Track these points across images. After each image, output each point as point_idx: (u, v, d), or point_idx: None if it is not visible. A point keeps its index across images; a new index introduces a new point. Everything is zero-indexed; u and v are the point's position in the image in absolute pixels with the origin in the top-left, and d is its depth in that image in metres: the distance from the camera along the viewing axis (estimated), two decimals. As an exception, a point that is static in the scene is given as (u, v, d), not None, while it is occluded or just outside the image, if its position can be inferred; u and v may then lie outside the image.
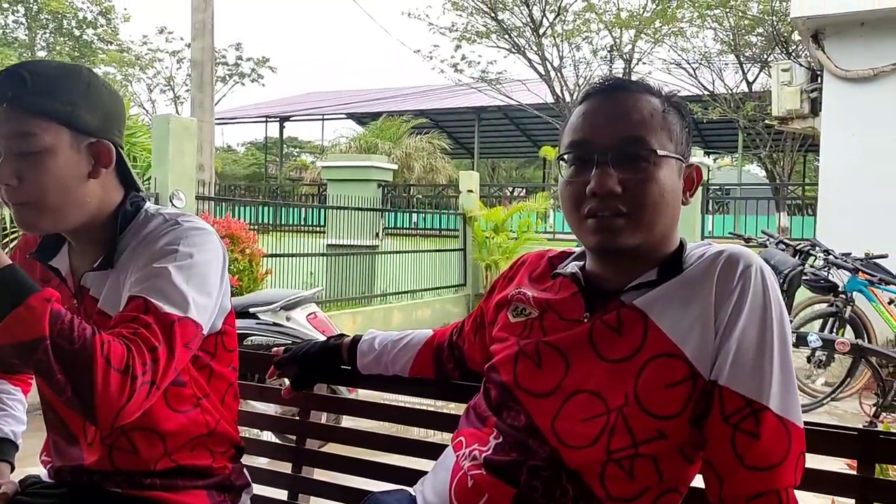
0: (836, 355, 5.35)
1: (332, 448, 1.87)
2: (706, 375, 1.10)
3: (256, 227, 9.50)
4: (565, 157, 1.20)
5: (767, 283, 1.11)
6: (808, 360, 5.59)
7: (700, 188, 7.64)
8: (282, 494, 1.75)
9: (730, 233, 7.66)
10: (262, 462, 1.79)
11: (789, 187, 14.29)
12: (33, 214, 1.30)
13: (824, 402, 5.57)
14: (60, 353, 1.10)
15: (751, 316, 1.09)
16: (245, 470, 1.59)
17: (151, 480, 1.40)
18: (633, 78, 15.78)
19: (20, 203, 1.29)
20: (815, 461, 1.30)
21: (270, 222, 10.40)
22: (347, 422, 2.99)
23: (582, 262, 1.28)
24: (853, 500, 1.29)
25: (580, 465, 1.12)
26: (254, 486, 1.68)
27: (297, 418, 1.79)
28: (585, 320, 1.19)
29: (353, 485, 1.67)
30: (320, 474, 1.79)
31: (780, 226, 11.65)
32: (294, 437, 1.80)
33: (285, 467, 1.77)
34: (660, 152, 1.14)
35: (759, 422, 1.06)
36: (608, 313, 1.17)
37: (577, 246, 1.36)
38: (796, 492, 1.12)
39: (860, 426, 1.58)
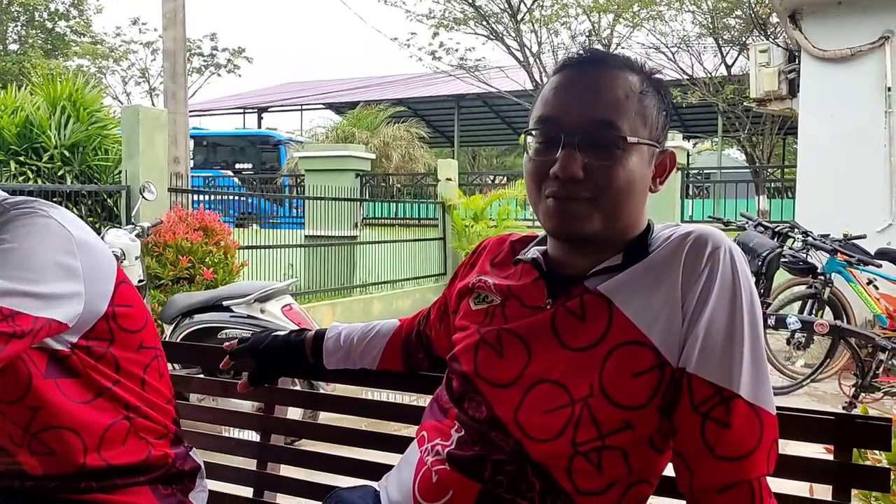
0: (815, 336, 5.37)
1: (301, 444, 1.82)
2: (674, 363, 1.05)
3: (235, 218, 9.40)
4: (532, 132, 1.14)
5: (737, 264, 1.05)
6: (788, 342, 5.61)
7: (678, 172, 7.61)
8: (247, 492, 1.70)
9: (709, 216, 7.64)
10: (227, 459, 1.73)
11: (769, 170, 14.36)
12: None
13: (804, 383, 5.59)
14: None
15: (719, 300, 1.03)
16: (193, 453, 1.52)
17: (87, 483, 1.33)
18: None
19: None
20: (791, 447, 1.27)
21: (249, 213, 10.29)
22: (325, 417, 2.93)
23: (544, 247, 1.22)
24: (830, 486, 1.25)
25: (546, 459, 1.08)
26: (219, 483, 1.63)
27: (262, 414, 1.74)
28: (548, 307, 1.14)
29: (320, 481, 1.62)
30: (287, 470, 1.74)
31: (759, 209, 11.69)
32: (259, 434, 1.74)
33: (250, 464, 1.72)
34: (630, 139, 1.08)
35: (730, 410, 1.01)
36: (571, 299, 1.13)
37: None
38: (773, 478, 1.08)
39: (840, 407, 1.54)
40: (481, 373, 1.17)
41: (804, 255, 5.56)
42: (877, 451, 1.59)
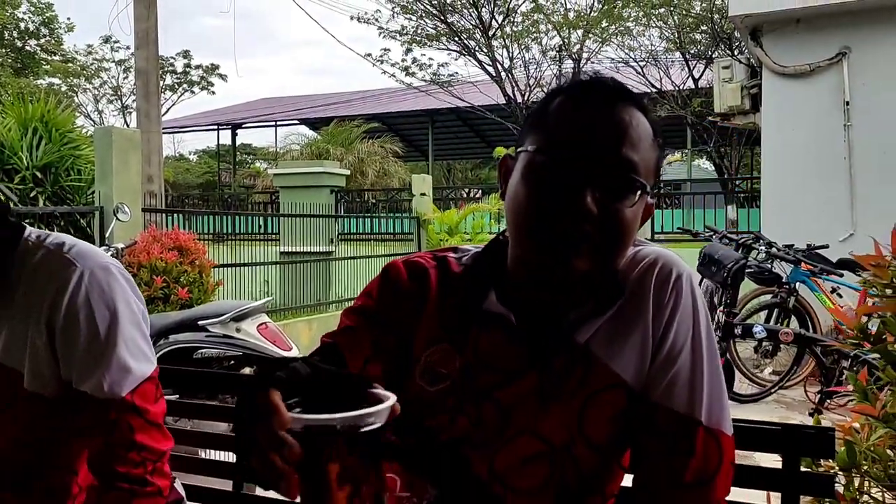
0: (781, 345, 5.50)
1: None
2: (640, 391, 1.06)
3: (211, 236, 9.40)
4: (544, 152, 1.01)
5: (695, 291, 1.08)
6: (756, 351, 5.74)
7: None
8: (225, 512, 1.74)
9: (678, 228, 7.79)
10: (203, 481, 1.77)
11: (737, 181, 14.60)
12: None
13: (773, 390, 5.71)
14: None
15: (682, 328, 1.06)
16: (177, 483, 1.56)
17: None
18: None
19: None
20: (742, 457, 1.34)
21: (225, 231, 10.28)
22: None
23: (489, 285, 1.10)
24: (780, 494, 1.33)
25: None
26: (196, 504, 1.67)
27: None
28: (530, 369, 1.07)
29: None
30: (262, 491, 1.78)
31: (728, 218, 11.87)
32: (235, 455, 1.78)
33: (226, 485, 1.76)
34: (647, 188, 1.02)
35: (693, 438, 1.03)
36: (555, 356, 1.06)
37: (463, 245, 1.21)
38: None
39: (807, 413, 1.63)
40: (457, 438, 1.08)
41: (769, 266, 5.70)
42: (830, 459, 1.67)
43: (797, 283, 5.78)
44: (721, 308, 5.12)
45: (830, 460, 1.68)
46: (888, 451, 1.60)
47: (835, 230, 6.53)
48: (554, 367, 1.06)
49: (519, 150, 1.06)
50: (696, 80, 15.98)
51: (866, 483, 1.65)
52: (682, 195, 13.17)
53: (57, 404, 1.30)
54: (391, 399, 0.77)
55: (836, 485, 1.70)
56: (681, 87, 16.17)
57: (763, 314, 5.83)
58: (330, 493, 0.73)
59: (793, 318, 5.79)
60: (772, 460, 1.47)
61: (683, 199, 12.58)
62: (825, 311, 5.83)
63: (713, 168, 17.69)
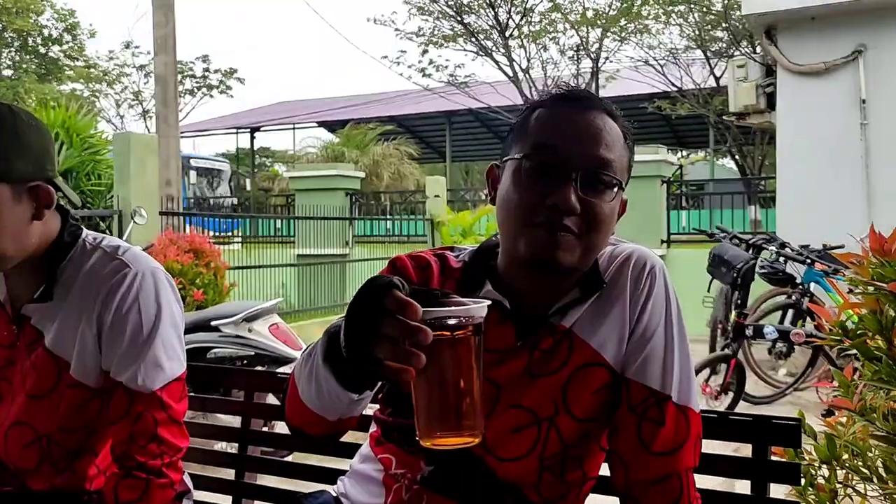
0: (796, 346, 5.47)
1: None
2: (620, 371, 1.18)
3: (228, 238, 9.52)
4: (529, 157, 1.14)
5: (668, 282, 1.21)
6: (769, 352, 5.71)
7: (663, 185, 7.68)
8: (226, 500, 1.80)
9: (694, 229, 7.78)
10: (206, 470, 1.84)
11: (760, 180, 14.48)
12: None
13: (787, 392, 5.68)
14: None
15: (655, 313, 1.18)
16: (186, 477, 1.64)
17: (87, 497, 1.46)
18: (602, 78, 15.81)
19: None
20: (714, 446, 1.39)
21: (242, 234, 10.40)
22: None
23: (485, 277, 1.23)
24: (749, 482, 1.37)
25: (515, 477, 1.18)
26: (199, 492, 1.74)
27: (239, 427, 1.85)
28: (519, 349, 1.19)
29: (292, 487, 1.73)
30: (265, 479, 1.85)
31: (751, 219, 11.80)
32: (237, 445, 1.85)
33: (229, 474, 1.83)
34: (623, 184, 1.16)
35: (663, 410, 1.15)
36: (542, 340, 1.19)
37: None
38: (698, 475, 1.21)
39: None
40: None
41: (783, 266, 5.67)
42: (812, 450, 1.70)
43: (811, 284, 5.76)
44: (732, 309, 5.12)
45: (812, 451, 1.71)
46: (870, 442, 1.63)
47: (851, 230, 6.47)
48: (542, 347, 1.18)
49: (505, 158, 1.20)
50: (717, 79, 15.88)
51: (849, 475, 1.68)
52: (705, 195, 13.09)
53: (97, 394, 1.42)
54: (486, 301, 0.92)
55: (819, 477, 1.74)
56: (702, 86, 16.09)
57: (776, 315, 5.81)
58: (457, 368, 0.89)
59: (807, 319, 5.77)
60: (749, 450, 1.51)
61: (706, 200, 12.49)
62: (840, 312, 5.78)
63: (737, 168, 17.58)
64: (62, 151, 7.07)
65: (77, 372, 1.40)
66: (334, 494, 1.35)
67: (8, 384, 1.44)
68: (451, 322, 0.88)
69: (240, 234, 10.52)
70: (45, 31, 26.38)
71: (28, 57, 26.49)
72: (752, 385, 5.65)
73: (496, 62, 17.37)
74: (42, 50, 26.72)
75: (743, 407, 5.11)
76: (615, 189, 1.15)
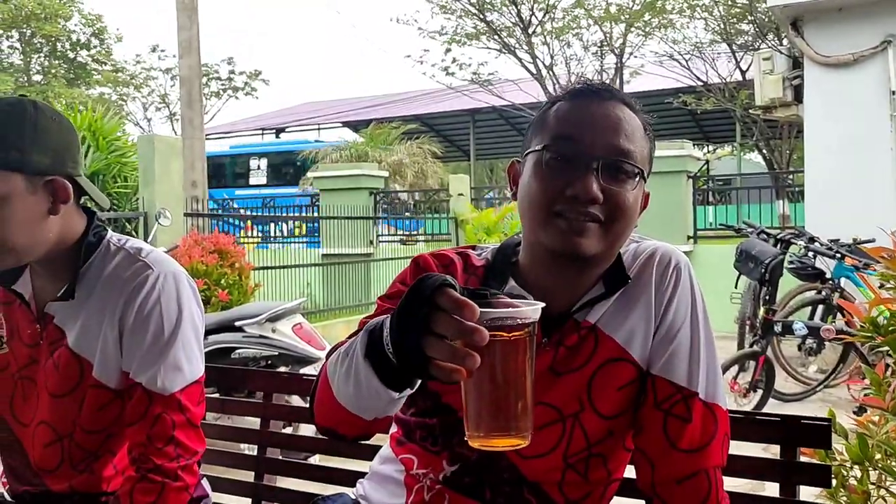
0: (826, 342, 5.37)
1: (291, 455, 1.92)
2: (646, 368, 1.17)
3: (256, 239, 9.58)
4: (549, 148, 1.14)
5: (693, 277, 1.20)
6: (799, 349, 5.62)
7: (689, 181, 7.57)
8: (245, 502, 1.80)
9: (721, 224, 7.68)
10: (226, 472, 1.84)
11: (788, 174, 14.26)
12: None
13: (818, 389, 5.58)
14: None
15: (681, 310, 1.17)
16: (204, 481, 1.64)
17: (105, 498, 1.46)
18: (626, 73, 15.69)
19: None
20: (743, 447, 1.35)
21: (271, 234, 10.47)
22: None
23: (508, 273, 1.22)
24: (777, 484, 1.33)
25: (539, 476, 1.17)
26: (219, 494, 1.73)
27: (258, 429, 1.84)
28: (545, 347, 1.17)
29: (311, 490, 1.72)
30: (282, 481, 1.85)
31: (781, 213, 11.64)
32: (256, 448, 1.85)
33: (248, 476, 1.82)
34: (644, 173, 1.15)
35: (690, 407, 1.14)
36: (566, 336, 1.17)
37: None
38: (726, 477, 1.19)
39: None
40: None
41: (812, 261, 5.57)
42: (843, 450, 1.66)
43: (842, 279, 5.65)
44: (760, 305, 5.04)
45: (843, 451, 1.67)
46: (902, 444, 1.58)
47: (882, 223, 6.35)
48: (566, 344, 1.17)
49: (526, 152, 1.19)
50: (743, 73, 15.70)
51: (882, 476, 1.63)
52: (732, 191, 12.92)
53: (118, 396, 1.42)
54: (539, 304, 0.91)
55: (851, 478, 1.69)
56: (727, 80, 15.91)
57: (806, 311, 5.72)
58: (511, 369, 0.89)
59: (838, 314, 5.66)
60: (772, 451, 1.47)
61: (733, 195, 12.33)
62: (871, 307, 5.67)
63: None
64: (89, 154, 7.16)
65: (99, 373, 1.40)
66: (353, 497, 1.34)
67: (31, 383, 1.45)
68: (508, 323, 0.87)
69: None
70: (74, 36, 26.76)
71: (57, 62, 26.89)
72: (782, 382, 5.56)
73: (519, 59, 17.33)
74: (70, 55, 27.11)
75: (772, 404, 5.03)
76: (637, 178, 1.14)
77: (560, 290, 1.18)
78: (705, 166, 17.79)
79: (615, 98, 1.17)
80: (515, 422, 0.89)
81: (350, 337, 1.13)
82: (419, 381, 0.94)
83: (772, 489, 1.35)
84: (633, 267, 1.19)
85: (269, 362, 4.10)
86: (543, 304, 0.91)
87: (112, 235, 1.47)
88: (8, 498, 1.57)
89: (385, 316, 0.94)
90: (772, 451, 1.45)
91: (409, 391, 0.97)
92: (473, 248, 1.31)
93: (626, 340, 1.17)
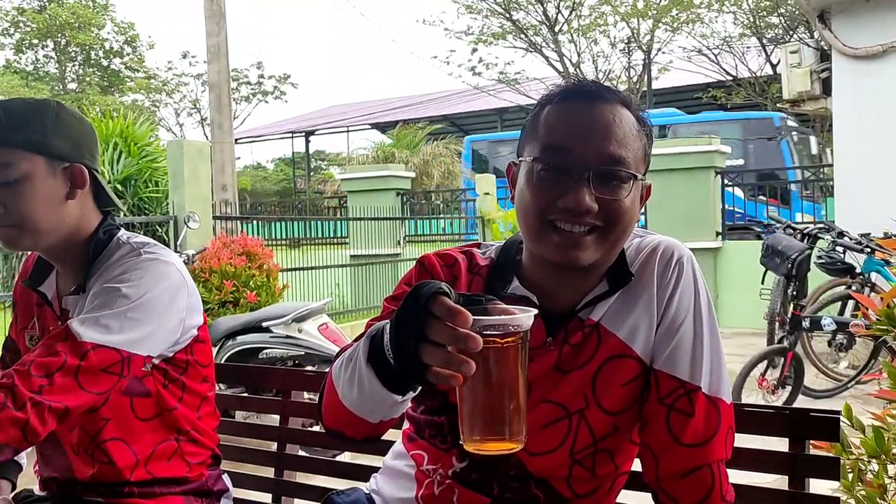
0: (857, 338, 5.29)
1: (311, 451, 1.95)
2: (649, 363, 1.18)
3: (286, 242, 9.69)
4: (538, 160, 1.13)
5: (696, 271, 1.19)
6: (829, 345, 5.54)
7: (717, 176, 7.46)
8: (266, 497, 1.84)
9: (748, 219, 7.61)
10: (246, 468, 1.88)
11: (820, 168, 14.03)
12: (16, 234, 1.43)
13: (849, 385, 5.50)
14: None
15: (684, 304, 1.17)
16: (225, 476, 1.68)
17: (129, 489, 1.51)
18: (654, 69, 15.48)
19: (6, 226, 1.42)
20: (750, 440, 1.36)
21: (298, 236, 10.56)
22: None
23: (512, 273, 1.23)
24: (787, 477, 1.34)
25: (546, 472, 1.19)
26: (240, 490, 1.78)
27: (278, 426, 1.88)
28: (549, 345, 1.18)
29: (331, 485, 1.76)
30: (302, 477, 1.89)
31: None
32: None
33: (268, 472, 1.86)
34: (638, 177, 1.14)
35: (693, 401, 1.14)
36: (571, 334, 1.18)
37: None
38: (734, 470, 1.20)
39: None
40: None
41: (841, 256, 5.50)
42: (859, 445, 1.66)
43: (872, 274, 5.57)
44: (789, 300, 4.99)
45: (860, 445, 1.66)
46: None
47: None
48: (571, 342, 1.18)
49: (520, 158, 1.18)
50: (773, 66, 15.52)
51: (898, 470, 1.62)
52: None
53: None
54: (532, 310, 0.92)
55: (868, 472, 1.69)
56: (758, 74, 15.75)
57: (836, 306, 5.64)
58: (504, 375, 0.90)
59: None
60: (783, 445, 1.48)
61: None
62: (903, 301, 5.58)
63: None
64: (121, 160, 7.28)
65: None
66: (366, 491, 1.37)
67: None
68: (501, 331, 0.89)
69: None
70: (107, 45, 27.27)
71: (91, 70, 27.41)
72: (813, 378, 5.49)
73: (546, 58, 17.32)
74: (104, 63, 27.62)
75: (802, 401, 4.98)
76: (631, 182, 1.12)
77: (563, 289, 1.19)
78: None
79: (604, 98, 1.14)
80: (509, 426, 0.91)
81: (355, 340, 1.15)
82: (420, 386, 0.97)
83: (781, 482, 1.35)
84: (636, 262, 1.19)
85: (296, 362, 4.16)
86: (537, 311, 0.93)
87: (123, 234, 1.53)
88: (37, 492, 1.63)
89: (386, 322, 0.96)
90: (782, 445, 1.45)
91: (411, 394, 1.00)
92: (478, 246, 1.33)
93: (629, 336, 1.17)
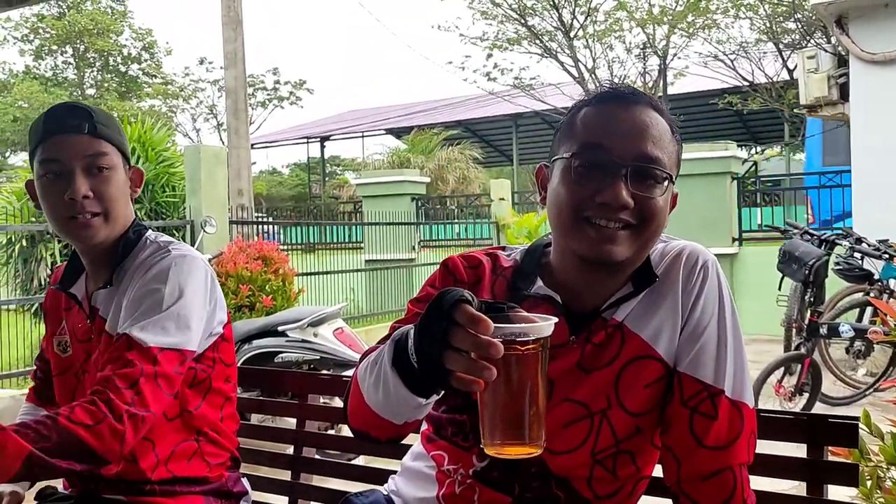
0: (875, 345, 5.25)
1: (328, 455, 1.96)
2: (673, 366, 1.19)
3: (301, 247, 9.74)
4: (576, 156, 1.15)
5: (720, 275, 1.21)
6: (847, 351, 5.50)
7: (734, 182, 7.42)
8: (282, 500, 1.85)
9: (766, 225, 7.57)
10: (263, 471, 1.90)
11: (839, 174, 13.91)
12: (99, 223, 1.51)
13: (867, 392, 5.46)
14: (49, 451, 1.26)
15: (708, 308, 1.18)
16: (244, 479, 1.70)
17: (150, 487, 1.54)
18: (670, 75, 15.43)
19: (93, 213, 1.50)
20: (768, 446, 1.35)
21: (313, 241, 10.61)
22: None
23: (536, 274, 1.25)
24: (805, 483, 1.33)
25: (567, 471, 1.19)
26: (257, 492, 1.79)
27: (294, 429, 1.90)
28: (573, 344, 1.19)
29: (347, 489, 1.76)
30: (318, 480, 1.90)
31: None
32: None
33: (285, 475, 1.87)
34: (672, 178, 1.17)
35: (716, 405, 1.15)
36: (594, 334, 1.19)
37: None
38: (752, 476, 1.18)
39: None
40: None
41: (859, 262, 5.45)
42: (878, 452, 1.65)
43: (890, 280, 5.52)
44: (806, 307, 4.95)
45: (878, 451, 1.65)
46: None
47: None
48: (594, 342, 1.19)
49: (554, 158, 1.20)
50: (790, 72, 15.42)
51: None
52: (781, 192, 12.64)
53: None
54: (553, 319, 0.94)
55: (888, 479, 1.68)
56: (774, 80, 15.65)
57: (854, 313, 5.60)
58: (525, 381, 0.92)
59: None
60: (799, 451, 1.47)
61: (782, 196, 12.06)
62: (922, 308, 5.53)
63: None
64: (139, 165, 7.35)
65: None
66: (385, 493, 1.38)
67: (91, 377, 1.54)
68: (521, 338, 0.91)
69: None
70: (125, 51, 27.53)
71: (109, 76, 27.67)
72: (830, 386, 5.45)
73: (561, 63, 17.26)
74: (122, 69, 27.89)
75: (820, 408, 4.94)
76: (665, 183, 1.15)
77: (589, 289, 1.20)
78: (753, 167, 17.50)
79: (641, 102, 1.17)
80: (529, 431, 0.93)
81: (379, 343, 1.17)
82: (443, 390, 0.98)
83: (799, 488, 1.34)
84: (661, 266, 1.21)
85: (312, 366, 4.18)
86: (557, 320, 0.95)
87: (150, 233, 1.60)
88: (61, 489, 1.65)
89: (410, 326, 0.99)
90: (800, 451, 1.45)
91: (435, 397, 1.02)
92: (503, 248, 1.34)
93: (653, 338, 1.18)
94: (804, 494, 1.32)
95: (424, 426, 1.34)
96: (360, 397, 1.12)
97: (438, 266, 1.33)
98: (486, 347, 0.86)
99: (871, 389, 5.44)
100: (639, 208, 1.13)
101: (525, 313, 0.94)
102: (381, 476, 1.68)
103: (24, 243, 6.99)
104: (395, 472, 1.43)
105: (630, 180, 1.12)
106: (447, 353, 0.89)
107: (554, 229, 1.20)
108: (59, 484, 1.67)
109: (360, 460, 1.80)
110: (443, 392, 1.01)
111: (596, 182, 1.13)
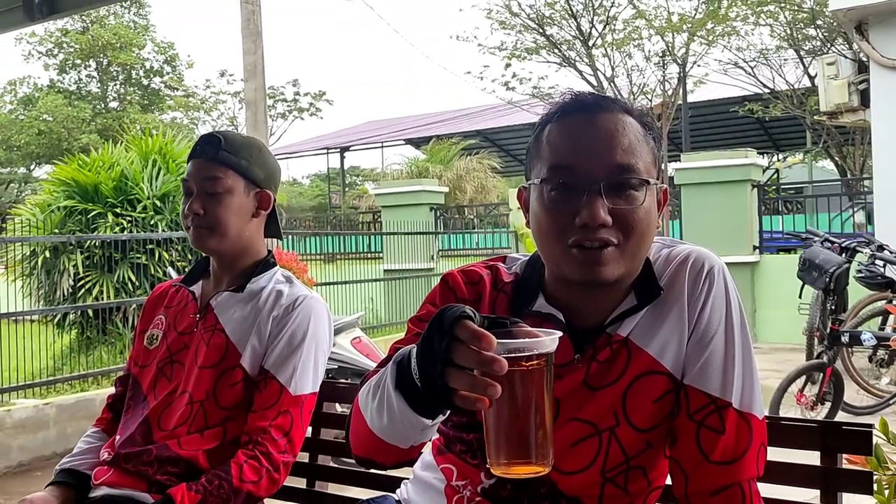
0: (899, 353, 5.19)
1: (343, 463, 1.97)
2: (680, 378, 1.15)
3: (321, 256, 9.79)
4: (547, 181, 1.12)
5: (728, 281, 1.16)
6: (870, 360, 5.43)
7: (754, 189, 7.37)
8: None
9: (786, 233, 7.50)
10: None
11: (864, 181, 13.76)
12: (207, 234, 1.71)
13: (891, 402, 5.38)
14: None
15: (715, 316, 1.14)
16: None
17: (210, 474, 1.61)
18: (689, 82, 15.33)
19: (202, 226, 1.70)
20: (781, 454, 1.35)
21: (333, 251, 10.67)
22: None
23: (538, 290, 1.21)
24: (818, 491, 1.32)
25: (578, 491, 1.16)
26: (272, 500, 1.80)
27: (310, 436, 1.91)
28: (577, 363, 1.16)
29: (363, 496, 1.77)
30: (334, 488, 1.90)
31: (855, 222, 11.24)
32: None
33: (300, 482, 1.88)
34: (651, 182, 1.11)
35: (723, 418, 1.12)
36: (599, 351, 1.16)
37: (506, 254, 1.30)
38: (764, 484, 1.17)
39: None
40: None
41: (881, 270, 5.39)
42: (896, 461, 1.63)
43: (915, 287, 5.45)
44: (827, 315, 4.90)
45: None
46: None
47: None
48: (599, 359, 1.15)
49: (528, 182, 1.17)
50: (811, 78, 15.29)
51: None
52: (803, 199, 12.53)
53: (248, 381, 1.69)
54: (557, 333, 0.93)
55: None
56: (796, 86, 15.53)
57: (876, 321, 5.53)
58: (530, 397, 0.91)
59: (911, 324, 5.46)
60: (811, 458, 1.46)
61: (805, 204, 11.95)
62: (947, 317, 5.46)
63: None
64: (160, 176, 7.44)
65: (245, 359, 1.69)
66: (397, 499, 1.38)
67: (180, 365, 1.73)
68: (525, 353, 0.89)
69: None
70: (147, 64, 27.85)
71: (132, 89, 28.00)
72: (853, 395, 5.38)
73: (580, 72, 17.25)
74: (144, 82, 28.21)
75: (842, 417, 4.88)
76: (644, 189, 1.10)
77: (590, 305, 1.17)
78: (775, 175, 17.35)
79: (605, 109, 1.13)
80: (535, 449, 0.91)
81: (379, 366, 1.15)
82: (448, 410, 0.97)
83: (813, 497, 1.33)
84: (666, 273, 1.17)
85: (330, 375, 4.19)
86: (561, 334, 0.93)
87: (278, 267, 1.84)
88: (107, 491, 1.67)
89: (411, 346, 0.98)
90: (813, 458, 1.44)
91: (441, 417, 1.00)
92: (504, 259, 1.31)
93: (659, 352, 1.15)
94: (818, 503, 1.31)
95: (435, 436, 1.31)
96: (363, 424, 1.10)
97: (438, 282, 1.30)
98: (489, 364, 0.85)
99: (895, 398, 5.36)
100: (620, 222, 1.08)
101: (528, 328, 0.92)
102: (396, 484, 1.67)
103: (48, 255, 7.10)
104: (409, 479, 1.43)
105: (606, 196, 1.08)
106: (450, 370, 0.87)
107: (542, 254, 1.17)
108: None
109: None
110: (448, 412, 0.99)
111: (572, 204, 1.08)
